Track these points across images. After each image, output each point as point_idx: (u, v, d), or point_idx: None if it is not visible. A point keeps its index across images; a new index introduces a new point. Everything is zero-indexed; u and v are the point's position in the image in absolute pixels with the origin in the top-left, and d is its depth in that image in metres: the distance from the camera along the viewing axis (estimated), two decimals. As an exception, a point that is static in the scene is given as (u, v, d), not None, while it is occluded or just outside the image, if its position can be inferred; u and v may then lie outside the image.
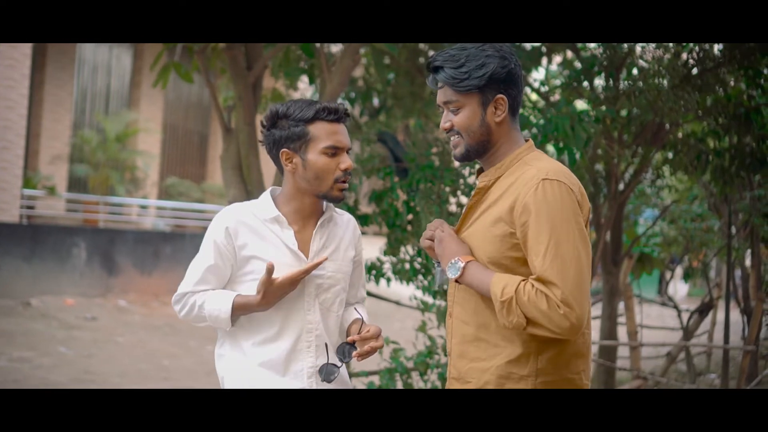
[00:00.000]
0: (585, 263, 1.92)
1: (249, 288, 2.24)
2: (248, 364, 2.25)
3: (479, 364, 2.03)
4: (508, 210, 1.97)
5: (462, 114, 2.06)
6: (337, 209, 2.43)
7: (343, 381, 2.35)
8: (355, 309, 2.39)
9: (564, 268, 1.88)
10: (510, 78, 2.03)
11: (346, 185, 2.28)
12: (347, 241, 2.37)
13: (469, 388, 2.04)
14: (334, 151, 2.24)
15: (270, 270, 2.14)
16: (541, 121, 4.14)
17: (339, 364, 2.22)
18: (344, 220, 2.41)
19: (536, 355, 1.98)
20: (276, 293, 2.18)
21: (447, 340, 2.17)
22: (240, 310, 2.22)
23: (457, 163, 5.06)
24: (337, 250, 2.34)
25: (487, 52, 2.03)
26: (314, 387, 2.25)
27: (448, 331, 2.16)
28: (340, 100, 2.27)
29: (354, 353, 2.20)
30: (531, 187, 1.94)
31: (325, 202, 2.36)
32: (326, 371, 2.21)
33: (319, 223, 2.32)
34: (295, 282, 2.19)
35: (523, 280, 1.91)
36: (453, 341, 2.11)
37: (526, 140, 2.13)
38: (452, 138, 2.10)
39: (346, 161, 2.25)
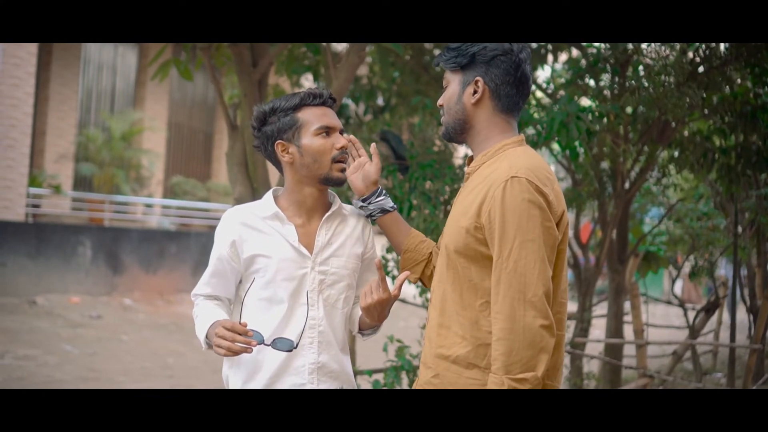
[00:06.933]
0: (538, 271, 1.88)
1: (256, 285, 2.25)
2: (251, 360, 2.24)
3: (440, 350, 2.04)
4: (478, 204, 1.97)
5: (446, 91, 2.12)
6: (347, 206, 2.41)
7: (348, 380, 2.34)
8: None
9: (512, 318, 1.87)
10: (495, 63, 2.03)
11: (344, 165, 2.30)
12: (355, 238, 2.35)
13: (429, 373, 2.05)
14: (326, 131, 2.27)
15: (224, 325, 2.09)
16: (544, 118, 4.14)
17: (295, 345, 2.20)
18: (355, 216, 2.39)
19: None
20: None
21: None
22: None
23: (457, 162, 5.05)
24: (343, 246, 2.32)
25: (488, 43, 2.05)
26: (315, 383, 2.24)
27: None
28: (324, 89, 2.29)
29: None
30: (499, 185, 1.93)
31: (332, 196, 2.36)
32: (279, 343, 2.19)
33: (324, 217, 2.31)
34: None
35: (493, 375, 1.89)
36: (427, 326, 2.14)
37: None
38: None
39: (340, 140, 2.29)
